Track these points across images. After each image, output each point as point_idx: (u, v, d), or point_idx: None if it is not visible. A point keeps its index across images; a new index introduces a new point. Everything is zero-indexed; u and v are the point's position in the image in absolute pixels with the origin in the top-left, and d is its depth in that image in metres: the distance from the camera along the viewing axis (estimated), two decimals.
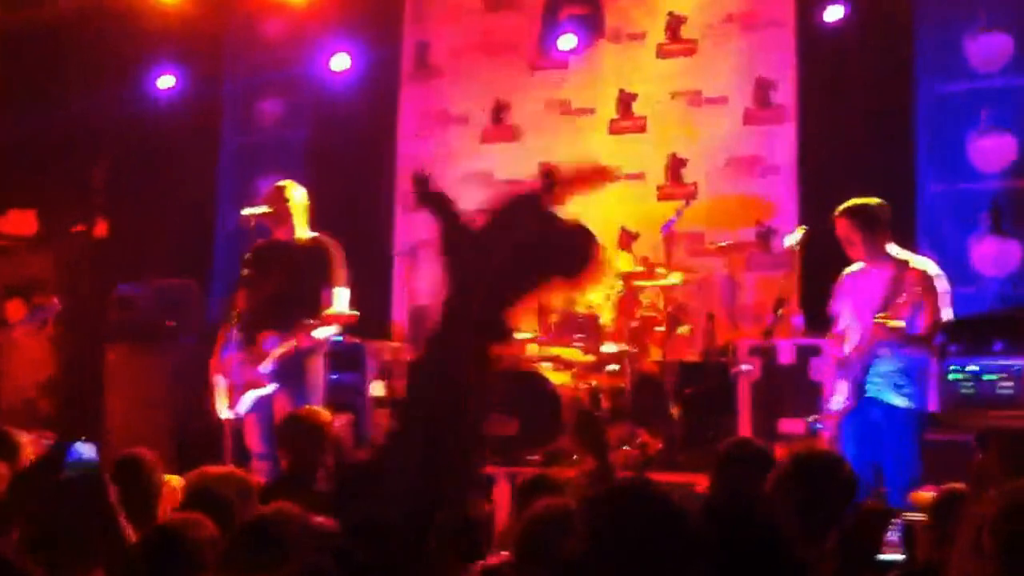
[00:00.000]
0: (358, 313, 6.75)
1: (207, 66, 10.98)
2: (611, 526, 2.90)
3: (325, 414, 5.68)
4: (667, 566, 2.85)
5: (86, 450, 4.22)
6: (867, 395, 6.16)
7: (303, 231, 6.95)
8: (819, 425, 6.38)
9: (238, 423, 6.69)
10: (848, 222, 6.27)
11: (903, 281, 6.10)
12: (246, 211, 7.10)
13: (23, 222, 10.93)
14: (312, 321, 6.55)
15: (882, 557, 4.15)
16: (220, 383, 6.74)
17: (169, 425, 8.82)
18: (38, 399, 9.78)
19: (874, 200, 6.33)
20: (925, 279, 6.13)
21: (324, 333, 6.71)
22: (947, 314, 6.16)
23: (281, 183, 7.08)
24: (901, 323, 5.98)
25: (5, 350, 9.94)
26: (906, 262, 6.23)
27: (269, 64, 11.05)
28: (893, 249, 6.31)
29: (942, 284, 6.19)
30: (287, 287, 6.78)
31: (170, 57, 10.71)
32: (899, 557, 4.33)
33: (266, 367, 6.63)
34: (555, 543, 3.37)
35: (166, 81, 10.74)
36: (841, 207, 6.33)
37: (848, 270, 6.45)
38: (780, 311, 7.55)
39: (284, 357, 6.61)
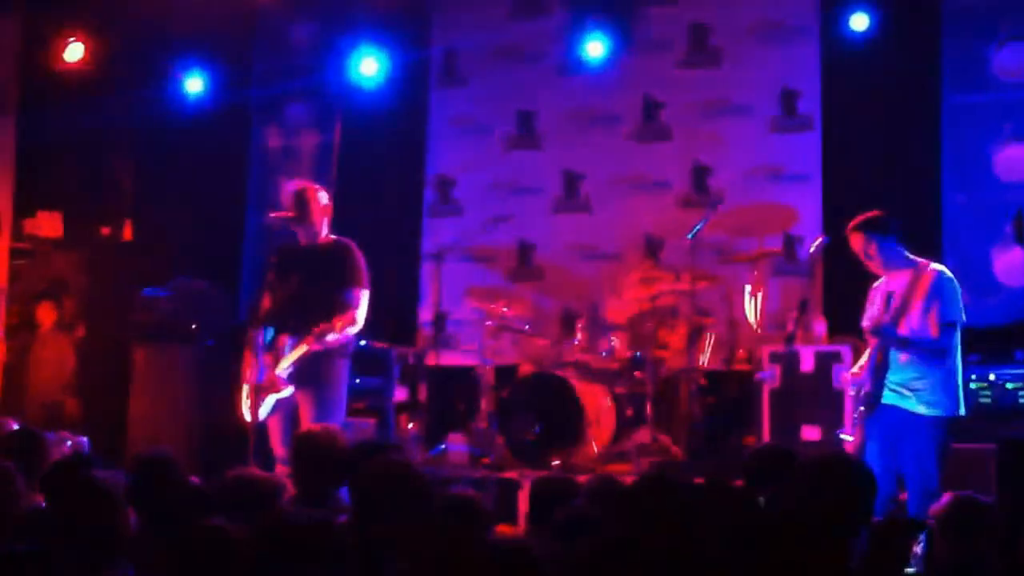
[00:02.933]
0: (357, 318, 6.70)
1: (236, 69, 11.03)
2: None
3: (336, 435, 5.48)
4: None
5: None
6: (887, 402, 6.16)
7: (325, 234, 6.98)
8: (842, 435, 6.39)
9: (262, 425, 6.72)
10: (861, 236, 6.29)
11: (920, 283, 6.12)
12: (272, 214, 7.15)
13: (50, 224, 11.00)
14: (322, 326, 6.51)
15: (910, 571, 4.16)
16: (245, 387, 6.78)
17: (193, 426, 8.89)
18: (64, 400, 9.85)
19: (879, 212, 6.35)
20: (940, 280, 6.15)
21: (333, 337, 6.63)
22: (957, 316, 6.15)
23: (303, 186, 7.11)
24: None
25: (32, 352, 10.03)
26: (924, 265, 6.25)
27: (298, 69, 11.10)
28: (911, 256, 6.32)
29: (954, 287, 6.19)
30: (306, 290, 6.79)
31: (199, 60, 10.75)
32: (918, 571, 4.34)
33: (283, 371, 6.65)
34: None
35: (194, 84, 10.78)
36: (851, 224, 6.34)
37: (876, 283, 6.45)
38: (801, 316, 7.55)
39: (299, 361, 6.62)
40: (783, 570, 3.55)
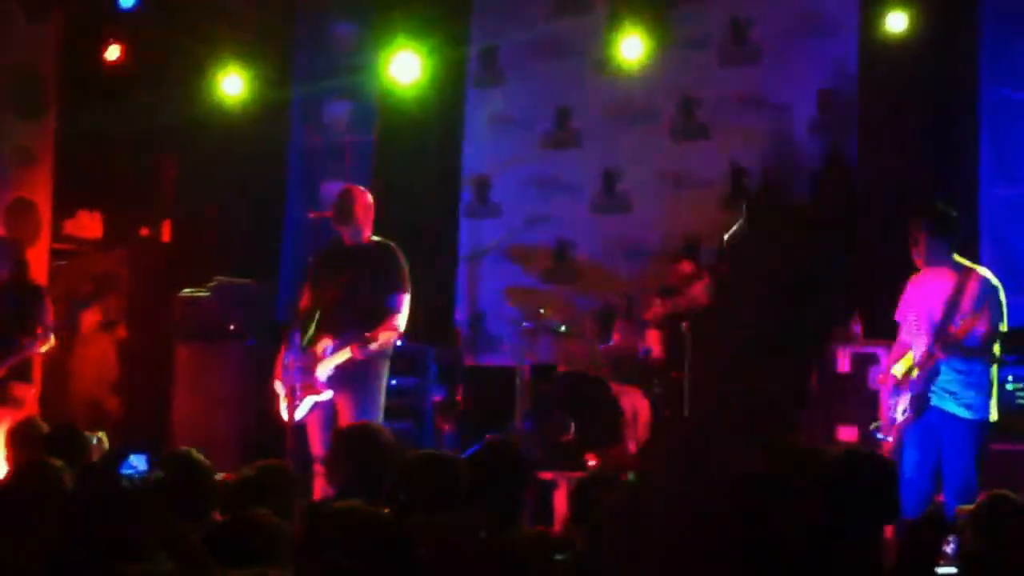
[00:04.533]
0: (400, 324, 6.71)
1: (275, 68, 11.08)
2: None
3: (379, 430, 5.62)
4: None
5: (139, 462, 4.33)
6: (929, 404, 6.13)
7: (367, 235, 7.00)
8: (880, 435, 6.35)
9: (300, 426, 6.75)
10: (917, 222, 6.25)
11: (965, 288, 6.07)
12: (313, 214, 7.19)
13: (90, 225, 11.11)
14: (368, 335, 6.54)
15: (940, 571, 4.15)
16: (281, 386, 6.81)
17: (235, 425, 8.95)
18: (105, 400, 9.93)
19: (944, 207, 6.31)
20: (988, 288, 6.10)
21: (377, 346, 6.66)
22: (1004, 326, 6.12)
23: (347, 187, 7.14)
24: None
25: (74, 352, 10.12)
26: (970, 270, 6.20)
27: (337, 68, 11.15)
28: (957, 257, 6.27)
29: (1001, 295, 6.15)
30: (348, 291, 6.79)
31: (238, 59, 10.81)
32: (953, 570, 4.32)
33: (323, 373, 6.67)
34: None
35: (234, 83, 10.83)
36: (919, 207, 6.32)
37: (913, 277, 6.40)
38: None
39: (342, 366, 6.65)
40: (813, 567, 3.56)
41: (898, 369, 6.33)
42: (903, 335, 6.40)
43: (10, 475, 5.30)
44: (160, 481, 3.99)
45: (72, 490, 4.25)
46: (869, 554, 3.79)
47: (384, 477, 5.14)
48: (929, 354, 6.11)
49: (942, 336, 6.03)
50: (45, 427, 5.80)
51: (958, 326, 5.99)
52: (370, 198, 7.01)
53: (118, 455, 4.63)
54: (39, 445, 5.29)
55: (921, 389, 6.11)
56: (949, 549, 4.38)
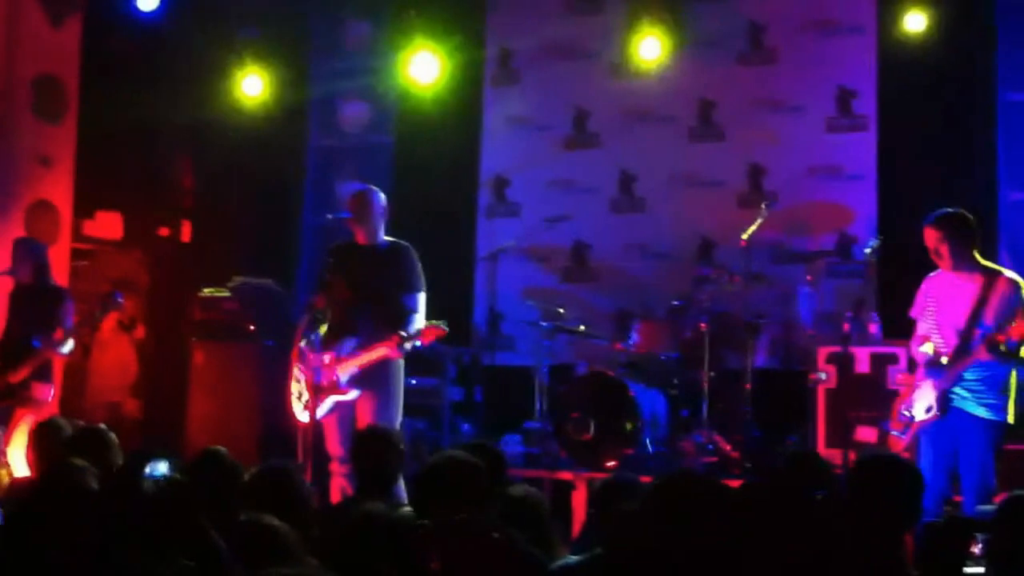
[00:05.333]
0: (447, 330, 6.74)
1: (293, 70, 11.12)
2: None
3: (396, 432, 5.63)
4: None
5: (162, 466, 4.35)
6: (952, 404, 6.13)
7: (382, 236, 7.03)
8: (895, 432, 6.34)
9: (318, 425, 6.77)
10: (936, 232, 6.22)
11: (993, 291, 6.06)
12: (331, 216, 7.22)
13: (110, 225, 11.15)
14: (406, 334, 6.55)
15: (968, 570, 4.14)
16: (297, 385, 6.84)
17: (252, 425, 8.97)
18: (124, 400, 9.97)
19: (960, 210, 6.29)
20: (1016, 290, 6.09)
21: (410, 347, 6.68)
22: None
23: (362, 188, 7.17)
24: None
25: (93, 352, 10.16)
26: (996, 272, 6.18)
27: (354, 69, 11.18)
28: (980, 259, 6.26)
29: None
30: (365, 291, 6.83)
31: (256, 60, 10.85)
32: (981, 570, 4.31)
33: (345, 373, 6.70)
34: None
35: (252, 84, 10.87)
36: (929, 217, 6.29)
37: (931, 275, 6.39)
38: (858, 317, 7.51)
39: (366, 365, 6.68)
40: (837, 568, 3.57)
41: (927, 348, 6.30)
42: (919, 332, 6.39)
43: (36, 475, 5.35)
44: (182, 485, 4.02)
45: (98, 491, 4.28)
46: (892, 558, 3.78)
47: (396, 478, 5.19)
48: (963, 354, 6.09)
49: (987, 338, 5.99)
50: (69, 427, 5.83)
51: (1004, 331, 5.96)
52: (383, 199, 7.05)
53: (141, 458, 4.65)
54: (63, 445, 5.31)
55: (948, 386, 6.10)
56: (976, 549, 4.37)
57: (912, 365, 6.47)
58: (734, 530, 3.32)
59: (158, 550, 3.72)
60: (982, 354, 6.01)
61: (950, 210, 6.28)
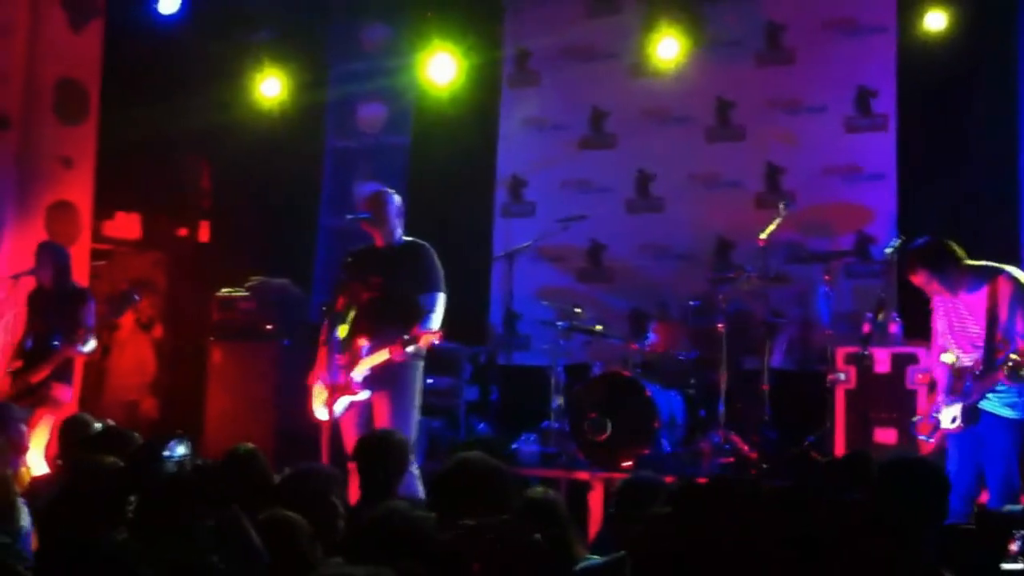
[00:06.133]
0: (441, 332, 6.72)
1: (310, 71, 11.16)
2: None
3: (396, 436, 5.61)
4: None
5: (181, 447, 4.37)
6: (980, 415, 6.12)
7: (399, 236, 7.04)
8: (922, 436, 6.32)
9: (336, 424, 6.78)
10: (919, 272, 6.22)
11: (999, 293, 6.04)
12: (350, 216, 7.24)
13: (129, 226, 11.21)
14: (407, 337, 6.55)
15: (1006, 567, 4.13)
16: (317, 385, 6.86)
17: (270, 424, 8.99)
18: (141, 399, 10.00)
19: (927, 240, 6.27)
20: (1017, 286, 6.07)
21: (415, 349, 6.68)
22: None
23: (377, 189, 7.19)
24: None
25: (112, 352, 10.21)
26: (994, 273, 6.14)
27: (371, 70, 11.21)
28: (969, 265, 6.22)
29: None
30: (385, 292, 6.84)
31: (275, 63, 10.89)
32: (1021, 567, 4.30)
33: (359, 374, 6.70)
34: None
35: (270, 86, 10.91)
36: (909, 259, 6.27)
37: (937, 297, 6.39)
38: (879, 317, 7.48)
39: (379, 366, 6.68)
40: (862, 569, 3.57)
41: (948, 358, 6.28)
42: (938, 341, 6.37)
43: (61, 471, 5.37)
44: (202, 466, 4.04)
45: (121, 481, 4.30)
46: (921, 558, 3.76)
47: (396, 482, 5.19)
48: (990, 370, 6.04)
49: (1008, 365, 5.96)
50: (95, 425, 5.86)
51: (990, 328, 5.95)
52: (399, 198, 7.06)
53: (161, 440, 4.67)
54: (89, 442, 5.33)
55: (976, 400, 6.09)
56: (1015, 547, 4.35)
57: (932, 386, 6.44)
58: (764, 532, 3.30)
59: (185, 533, 3.73)
60: (1002, 375, 5.99)
61: (919, 244, 6.27)
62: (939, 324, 6.34)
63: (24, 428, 5.79)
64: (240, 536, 3.75)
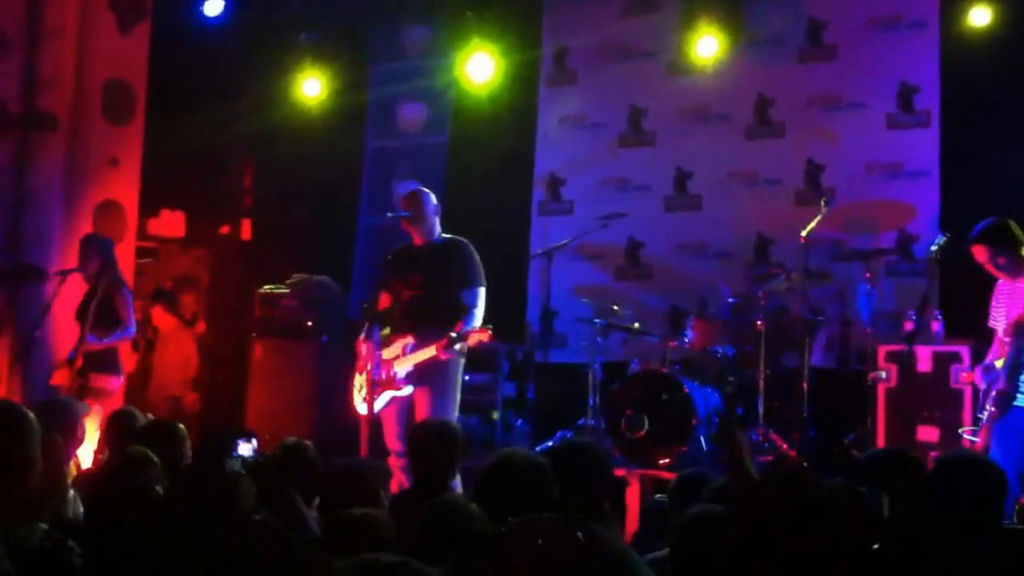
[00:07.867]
0: (491, 333, 6.71)
1: (351, 71, 11.23)
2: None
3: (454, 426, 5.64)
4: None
5: (246, 447, 4.43)
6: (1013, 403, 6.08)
7: (438, 233, 7.08)
8: (967, 436, 6.30)
9: (376, 420, 6.83)
10: (985, 248, 6.18)
11: None
12: (390, 214, 7.29)
13: (173, 224, 11.32)
14: (455, 335, 6.57)
15: None
16: (359, 380, 6.90)
17: (310, 420, 9.06)
18: (184, 396, 10.09)
19: (996, 219, 6.23)
20: None
21: (463, 347, 6.74)
22: None
23: (413, 188, 7.24)
24: None
25: (156, 348, 10.30)
26: None
27: (410, 71, 11.26)
28: None
29: None
30: (424, 289, 6.89)
31: (317, 64, 10.97)
32: None
33: (402, 370, 6.75)
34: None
35: (311, 86, 11.00)
36: (974, 235, 6.23)
37: (1000, 282, 6.35)
38: (922, 316, 7.45)
39: (421, 363, 6.71)
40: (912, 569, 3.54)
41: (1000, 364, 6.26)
42: (998, 336, 6.34)
43: (107, 464, 5.43)
44: (265, 463, 4.10)
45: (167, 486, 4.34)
46: (976, 562, 3.72)
47: (453, 473, 5.22)
48: (1004, 343, 6.03)
49: None
50: (142, 418, 5.91)
51: None
52: (434, 197, 7.11)
53: (226, 438, 4.74)
54: (135, 435, 5.37)
55: (1004, 383, 6.04)
56: None
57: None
58: (825, 534, 3.26)
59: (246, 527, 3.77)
60: (1007, 340, 5.97)
61: (988, 221, 6.22)
62: (999, 317, 6.29)
63: (84, 423, 5.85)
64: (295, 517, 3.80)
